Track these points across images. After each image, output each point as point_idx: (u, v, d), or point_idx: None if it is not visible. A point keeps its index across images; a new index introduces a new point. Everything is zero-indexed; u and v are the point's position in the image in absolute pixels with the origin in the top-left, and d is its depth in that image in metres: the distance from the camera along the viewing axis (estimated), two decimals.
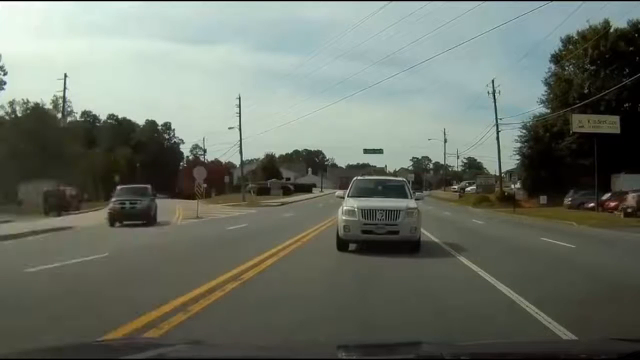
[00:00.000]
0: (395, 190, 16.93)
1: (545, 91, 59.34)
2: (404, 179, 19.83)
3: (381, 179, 21.39)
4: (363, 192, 16.57)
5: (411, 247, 14.64)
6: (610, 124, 45.41)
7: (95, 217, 34.38)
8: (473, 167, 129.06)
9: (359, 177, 18.30)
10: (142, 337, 5.70)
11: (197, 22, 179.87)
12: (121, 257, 14.03)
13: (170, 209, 42.70)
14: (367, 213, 14.53)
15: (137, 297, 8.20)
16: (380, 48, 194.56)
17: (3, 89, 66.04)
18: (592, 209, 41.09)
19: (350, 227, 14.53)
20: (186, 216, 35.08)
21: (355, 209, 14.66)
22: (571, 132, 47.12)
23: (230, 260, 12.07)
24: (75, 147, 63.19)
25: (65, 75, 59.16)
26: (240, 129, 71.98)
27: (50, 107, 64.95)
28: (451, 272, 11.79)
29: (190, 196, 42.37)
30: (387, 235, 14.48)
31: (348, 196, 16.24)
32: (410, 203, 15.52)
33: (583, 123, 45.69)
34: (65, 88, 59.25)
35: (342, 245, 14.86)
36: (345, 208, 15.07)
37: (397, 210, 14.59)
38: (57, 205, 41.02)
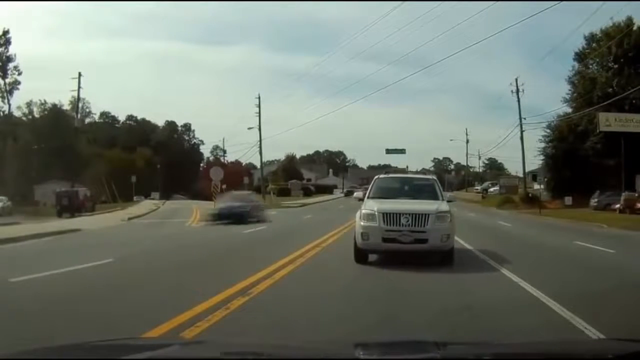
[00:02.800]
0: (423, 190, 14.61)
1: (569, 90, 58.57)
2: (434, 177, 16.88)
3: (407, 177, 17.58)
4: (385, 192, 14.34)
5: (442, 258, 12.63)
6: (637, 123, 44.68)
7: (108, 219, 34.25)
8: (494, 167, 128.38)
9: (381, 176, 15.68)
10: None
11: (213, 23, 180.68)
12: (114, 267, 12.44)
13: (188, 210, 42.53)
14: (390, 217, 12.39)
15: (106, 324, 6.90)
16: (398, 48, 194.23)
17: (17, 88, 67.03)
18: (620, 210, 40.21)
19: (369, 235, 12.47)
20: (203, 218, 34.73)
21: (375, 213, 12.52)
22: (598, 130, 46.38)
23: (233, 274, 10.88)
24: (92, 147, 63.62)
25: (80, 74, 59.10)
26: (259, 130, 72.02)
27: (68, 107, 65.50)
28: (500, 294, 9.59)
29: (209, 197, 42.14)
30: (413, 245, 12.35)
31: (368, 197, 14.11)
32: (442, 205, 13.31)
33: (610, 122, 44.94)
34: (79, 87, 59.24)
35: (360, 256, 12.83)
36: (363, 211, 12.89)
37: (425, 214, 12.40)
38: (70, 207, 41.09)
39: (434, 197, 14.10)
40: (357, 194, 18.07)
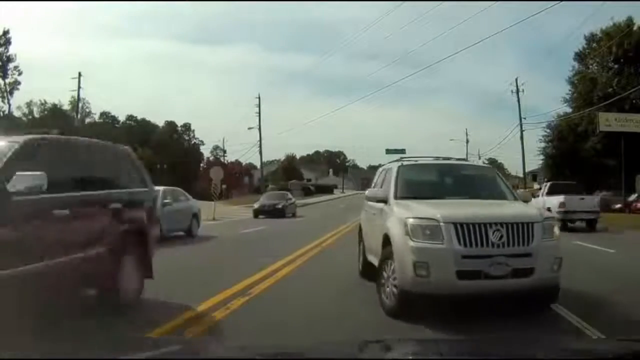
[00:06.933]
0: (479, 185, 9.50)
1: (570, 90, 58.49)
2: (491, 166, 12.16)
3: (447, 164, 10.40)
4: (421, 189, 9.09)
5: (541, 297, 7.66)
6: (637, 123, 44.55)
7: None
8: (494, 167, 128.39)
9: (405, 163, 9.70)
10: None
11: (213, 23, 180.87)
12: None
13: None
14: (470, 232, 7.03)
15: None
16: (398, 47, 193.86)
17: (18, 88, 67.09)
18: (621, 210, 40.27)
19: (431, 266, 6.97)
20: (202, 218, 34.69)
21: (441, 224, 7.09)
22: (597, 130, 46.32)
23: (233, 273, 10.84)
24: None
25: (80, 75, 59.12)
26: (259, 130, 72.06)
27: (68, 108, 65.48)
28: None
29: (210, 197, 42.11)
30: (511, 281, 7.02)
31: (396, 197, 8.57)
32: (531, 209, 8.43)
33: (610, 122, 44.87)
34: (79, 87, 59.24)
35: (406, 305, 7.27)
36: (411, 222, 7.31)
37: (527, 224, 7.24)
38: None
39: (501, 195, 9.06)
40: (372, 192, 9.82)
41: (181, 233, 20.46)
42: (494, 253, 6.97)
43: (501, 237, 7.02)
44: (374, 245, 9.12)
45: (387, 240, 7.85)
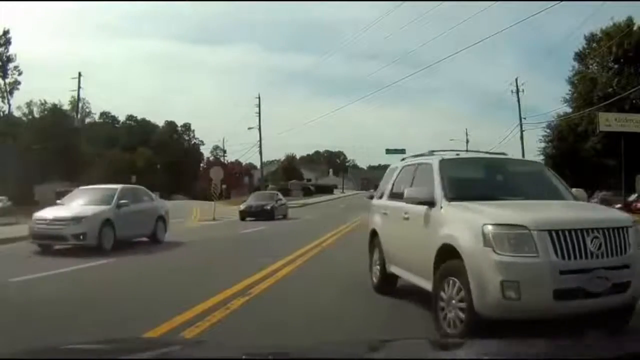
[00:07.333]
0: (534, 182, 8.16)
1: (570, 90, 58.44)
2: (539, 161, 10.09)
3: (493, 158, 8.77)
4: (472, 188, 7.57)
5: (620, 314, 6.33)
6: (637, 123, 44.52)
7: None
8: None
9: (446, 157, 8.02)
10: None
11: (213, 23, 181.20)
12: (113, 267, 12.58)
13: (188, 210, 42.47)
14: (567, 240, 5.71)
15: None
16: (398, 47, 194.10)
17: (17, 88, 67.26)
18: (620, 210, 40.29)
19: (523, 285, 5.53)
20: (202, 218, 34.79)
21: (533, 232, 5.69)
22: (597, 131, 46.31)
23: (233, 273, 10.96)
24: (92, 147, 63.42)
25: (80, 75, 58.95)
26: (259, 130, 71.90)
27: (68, 108, 65.51)
28: None
29: (209, 197, 42.16)
30: (608, 298, 5.77)
31: (447, 199, 6.91)
32: (614, 211, 7.82)
33: (610, 122, 44.83)
34: (79, 87, 59.11)
35: (474, 336, 5.59)
36: (491, 230, 5.81)
37: (621, 229, 6.02)
38: None
39: (558, 194, 7.62)
40: (411, 191, 7.45)
41: (144, 239, 17.92)
42: (593, 266, 5.71)
43: (600, 245, 5.78)
44: (410, 257, 7.83)
45: (448, 253, 6.30)
